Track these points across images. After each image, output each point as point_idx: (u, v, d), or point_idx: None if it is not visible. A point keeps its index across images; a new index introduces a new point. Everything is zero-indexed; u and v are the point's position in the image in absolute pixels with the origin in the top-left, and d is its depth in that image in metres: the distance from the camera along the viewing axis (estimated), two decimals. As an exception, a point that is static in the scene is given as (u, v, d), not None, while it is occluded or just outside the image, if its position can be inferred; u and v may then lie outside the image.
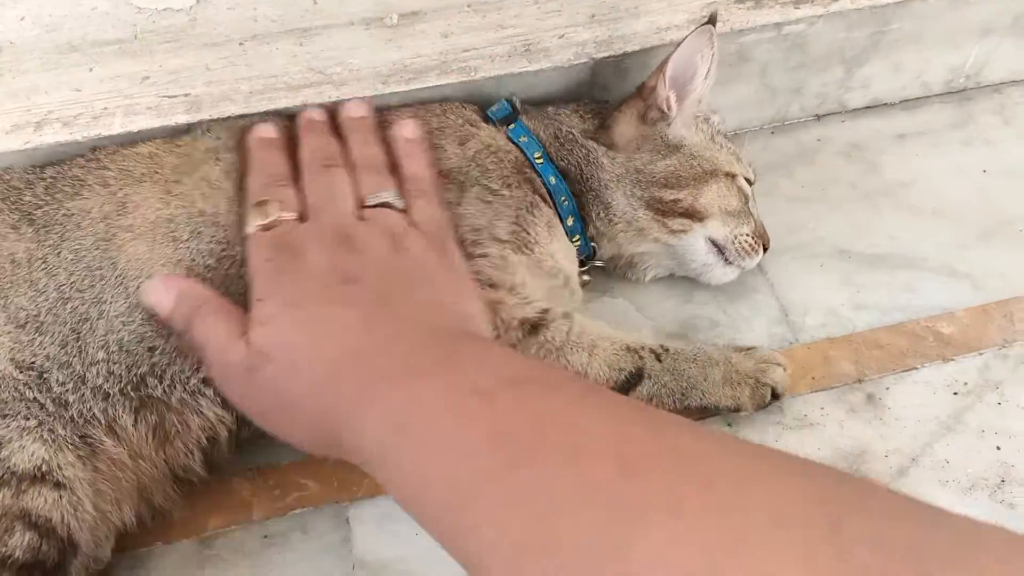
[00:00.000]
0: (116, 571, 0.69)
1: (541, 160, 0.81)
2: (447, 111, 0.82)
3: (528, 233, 0.77)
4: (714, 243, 0.82)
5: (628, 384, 0.74)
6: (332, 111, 0.77)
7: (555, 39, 0.84)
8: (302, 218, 0.65)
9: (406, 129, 0.75)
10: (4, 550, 0.58)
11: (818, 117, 1.03)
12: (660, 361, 0.75)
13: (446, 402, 0.48)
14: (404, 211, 0.68)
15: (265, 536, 0.72)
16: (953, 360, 0.83)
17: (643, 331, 0.83)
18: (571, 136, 0.83)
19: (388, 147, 0.74)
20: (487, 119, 0.83)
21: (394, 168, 0.72)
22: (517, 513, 0.42)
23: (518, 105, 0.84)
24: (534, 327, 0.73)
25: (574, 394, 0.49)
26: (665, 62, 0.80)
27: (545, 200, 0.80)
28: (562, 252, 0.80)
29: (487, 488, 0.44)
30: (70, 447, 0.64)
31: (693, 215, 0.81)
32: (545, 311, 0.74)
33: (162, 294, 0.64)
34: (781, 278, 0.88)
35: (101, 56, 0.73)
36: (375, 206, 0.67)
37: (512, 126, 0.82)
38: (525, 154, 0.81)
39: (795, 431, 0.78)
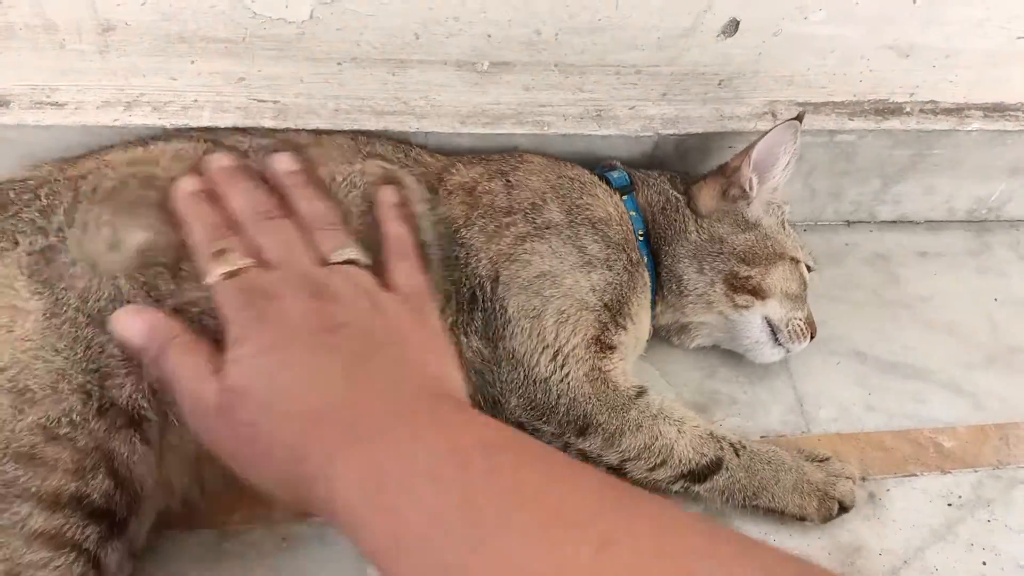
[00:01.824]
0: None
1: (643, 236, 0.85)
2: (574, 165, 0.86)
3: (631, 305, 0.81)
4: (769, 323, 0.86)
5: (707, 471, 0.76)
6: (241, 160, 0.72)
7: (626, 109, 0.89)
8: (262, 266, 0.62)
9: (389, 193, 0.74)
10: (85, 489, 0.59)
11: (848, 223, 1.08)
12: (738, 456, 0.77)
13: (422, 466, 0.48)
14: (368, 267, 0.65)
15: (283, 539, 0.73)
16: (951, 473, 0.87)
17: (666, 396, 0.86)
18: (676, 204, 0.87)
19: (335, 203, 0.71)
20: (608, 183, 0.86)
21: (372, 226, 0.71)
22: None
23: (636, 179, 0.88)
24: (640, 392, 0.77)
25: (549, 465, 0.49)
26: (752, 146, 0.84)
27: (641, 273, 0.83)
28: (646, 323, 0.85)
29: (461, 559, 0.44)
30: (152, 409, 0.65)
31: (758, 293, 0.85)
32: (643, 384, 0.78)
33: (134, 326, 0.61)
34: (800, 369, 0.92)
35: (205, 51, 0.76)
36: (343, 262, 0.64)
37: (626, 198, 0.86)
38: (633, 228, 0.85)
39: (797, 520, 0.80)
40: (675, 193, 0.88)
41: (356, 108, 0.82)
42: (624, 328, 0.80)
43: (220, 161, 0.69)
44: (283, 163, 0.70)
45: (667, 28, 0.81)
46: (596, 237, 0.80)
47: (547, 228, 0.78)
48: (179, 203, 0.66)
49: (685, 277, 0.85)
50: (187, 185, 0.67)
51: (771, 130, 0.83)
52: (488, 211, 0.78)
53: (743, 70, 0.88)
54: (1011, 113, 0.99)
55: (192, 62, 0.77)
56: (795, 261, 0.87)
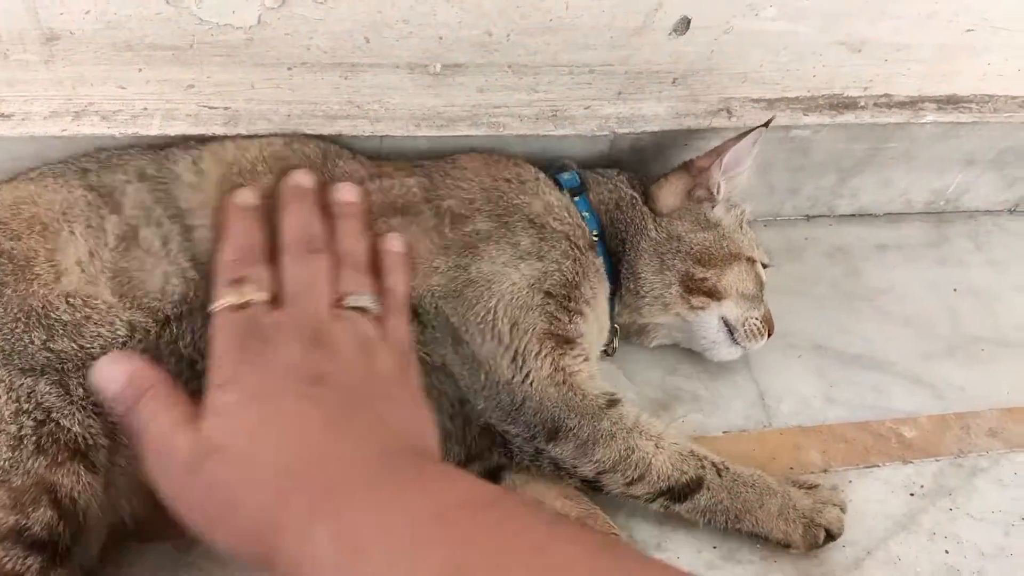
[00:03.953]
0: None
1: (597, 236, 0.85)
2: (518, 163, 0.85)
3: (582, 289, 0.80)
4: (726, 323, 0.86)
5: (688, 489, 0.75)
6: (319, 182, 0.74)
7: (581, 109, 0.89)
8: (275, 300, 0.63)
9: (395, 243, 0.73)
10: (25, 522, 0.58)
11: (808, 218, 1.09)
12: (720, 477, 0.76)
13: (404, 526, 0.47)
14: (378, 318, 0.66)
15: (242, 548, 0.72)
16: (912, 463, 0.88)
17: (627, 395, 0.86)
18: (633, 202, 0.87)
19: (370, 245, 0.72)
20: (558, 185, 0.86)
21: (374, 270, 0.71)
22: None
23: (587, 179, 0.87)
24: (612, 401, 0.76)
25: (536, 520, 0.48)
26: (724, 149, 0.85)
27: (592, 260, 0.83)
28: (604, 310, 0.84)
29: None
30: (102, 434, 0.64)
31: (714, 294, 0.85)
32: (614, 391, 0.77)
33: (112, 374, 0.60)
34: (761, 364, 0.93)
35: (153, 59, 0.75)
36: (352, 308, 0.65)
37: (578, 199, 0.85)
38: (588, 228, 0.84)
39: (782, 546, 0.79)
40: (631, 192, 0.87)
41: (308, 113, 0.81)
42: (580, 314, 0.79)
43: (299, 179, 0.73)
44: (346, 193, 0.73)
45: (619, 27, 0.82)
46: (531, 231, 0.79)
47: (478, 235, 0.77)
48: (227, 213, 0.69)
49: (643, 276, 0.85)
50: (245, 197, 0.70)
51: (743, 136, 0.84)
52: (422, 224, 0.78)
53: (696, 68, 0.88)
54: (964, 105, 1.00)
55: (140, 70, 0.76)
56: (751, 261, 0.88)
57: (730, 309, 0.85)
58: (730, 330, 0.86)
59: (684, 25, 0.83)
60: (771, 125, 0.86)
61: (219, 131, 0.79)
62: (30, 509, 0.58)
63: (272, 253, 0.67)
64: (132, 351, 0.65)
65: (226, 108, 0.80)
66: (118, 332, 0.67)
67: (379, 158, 0.83)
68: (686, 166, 0.88)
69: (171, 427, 0.55)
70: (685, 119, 0.91)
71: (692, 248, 0.85)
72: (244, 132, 0.79)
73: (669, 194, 0.87)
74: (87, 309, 0.66)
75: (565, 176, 0.87)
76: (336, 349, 0.60)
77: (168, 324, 0.68)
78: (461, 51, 0.80)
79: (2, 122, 0.76)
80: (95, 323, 0.66)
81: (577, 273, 0.79)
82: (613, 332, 0.88)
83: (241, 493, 0.52)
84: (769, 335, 0.88)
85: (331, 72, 0.79)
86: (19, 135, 0.76)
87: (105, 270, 0.69)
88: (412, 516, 0.48)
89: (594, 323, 0.81)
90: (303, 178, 0.73)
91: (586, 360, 0.78)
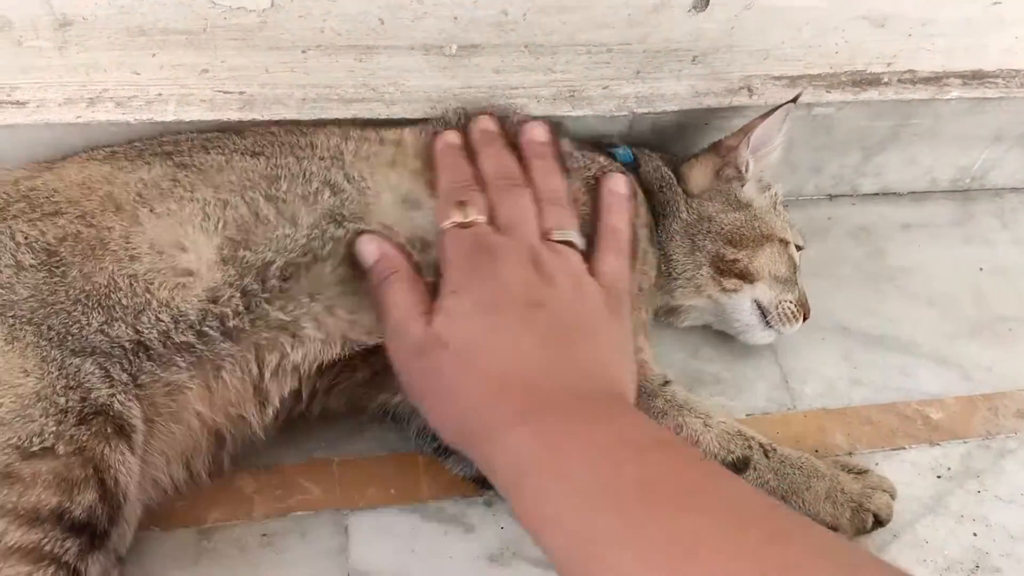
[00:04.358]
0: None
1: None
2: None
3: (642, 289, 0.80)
4: (759, 306, 0.84)
5: (734, 468, 0.74)
6: (503, 122, 0.79)
7: (599, 89, 0.88)
8: (494, 227, 0.68)
9: (615, 182, 0.77)
10: (68, 504, 0.57)
11: (831, 197, 1.07)
12: (767, 458, 0.76)
13: (598, 445, 0.51)
14: (583, 253, 0.69)
15: (264, 535, 0.72)
16: (939, 445, 0.86)
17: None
18: (670, 182, 0.86)
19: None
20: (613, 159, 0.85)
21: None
22: (662, 558, 0.44)
23: (638, 157, 0.87)
24: (666, 380, 0.77)
25: (720, 469, 0.53)
26: (751, 128, 0.83)
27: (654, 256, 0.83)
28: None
29: (633, 522, 0.46)
30: (140, 418, 0.64)
31: (746, 276, 0.83)
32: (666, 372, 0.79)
33: (368, 249, 0.68)
34: (785, 345, 0.91)
35: (167, 44, 0.74)
36: (560, 242, 0.68)
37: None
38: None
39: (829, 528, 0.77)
40: (667, 171, 0.86)
41: (324, 96, 0.80)
42: (644, 307, 0.81)
43: (485, 124, 0.77)
44: (536, 132, 0.76)
45: (636, 5, 0.80)
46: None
47: None
48: (439, 152, 0.74)
49: (675, 258, 0.84)
50: (451, 138, 0.75)
51: (771, 113, 0.83)
52: None
53: (716, 45, 0.87)
54: (990, 80, 0.98)
55: (154, 55, 0.75)
56: (784, 243, 0.86)
57: (763, 292, 0.84)
58: (763, 313, 0.85)
59: (703, 2, 0.82)
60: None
61: (234, 116, 0.78)
62: (74, 490, 0.58)
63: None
64: (386, 237, 0.70)
65: (241, 93, 0.79)
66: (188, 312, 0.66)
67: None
68: (715, 146, 0.87)
69: (408, 313, 0.63)
70: (705, 98, 0.90)
71: (723, 228, 0.84)
72: (259, 117, 0.78)
73: (699, 174, 0.86)
74: (148, 295, 0.65)
75: (620, 151, 0.86)
76: (552, 278, 0.65)
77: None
78: (477, 31, 0.79)
79: (17, 109, 0.76)
80: (154, 310, 0.65)
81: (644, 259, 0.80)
82: None
83: (457, 385, 0.60)
84: (805, 319, 0.86)
85: (346, 55, 0.78)
86: (34, 122, 0.75)
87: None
88: (610, 438, 0.52)
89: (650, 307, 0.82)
90: (489, 123, 0.77)
91: (647, 342, 0.80)
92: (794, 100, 0.83)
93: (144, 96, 0.78)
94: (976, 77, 0.98)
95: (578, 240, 0.70)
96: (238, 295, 0.67)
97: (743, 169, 0.85)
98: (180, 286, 0.66)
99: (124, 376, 0.63)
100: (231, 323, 0.66)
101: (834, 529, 0.76)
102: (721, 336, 0.90)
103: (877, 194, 1.09)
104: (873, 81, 0.95)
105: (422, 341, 0.62)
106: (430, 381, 0.62)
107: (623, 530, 0.46)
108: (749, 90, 0.91)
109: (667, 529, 0.45)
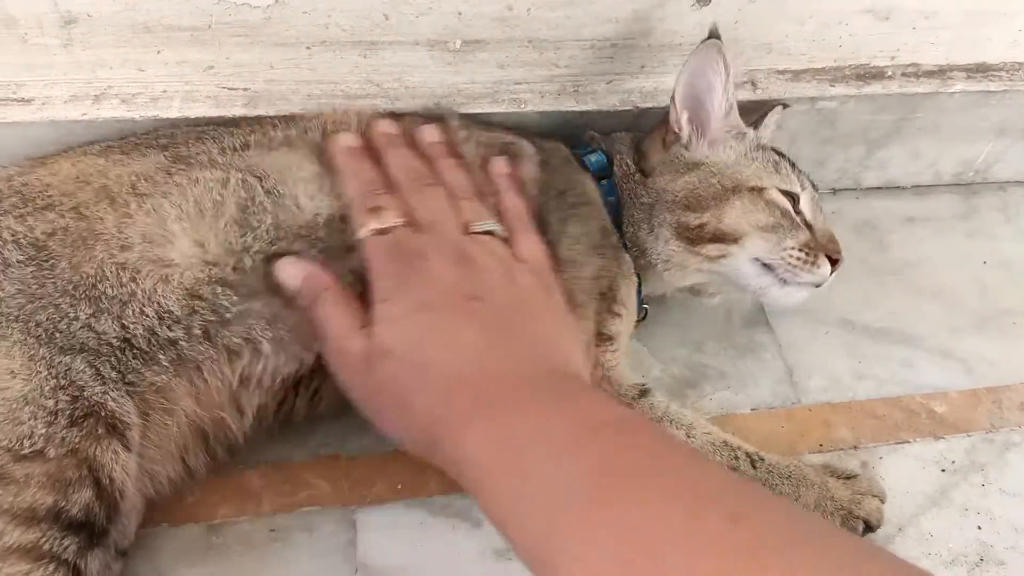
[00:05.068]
0: (121, 548, 0.68)
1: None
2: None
3: (620, 291, 0.79)
4: (760, 262, 0.79)
5: None
6: (403, 127, 0.76)
7: (603, 84, 0.88)
8: (413, 228, 0.66)
9: (501, 166, 0.76)
10: (64, 503, 0.57)
11: (834, 191, 1.07)
12: (755, 468, 0.75)
13: (552, 436, 0.50)
14: (506, 241, 0.69)
15: (272, 530, 0.72)
16: (943, 438, 0.86)
17: (652, 372, 0.87)
18: (630, 172, 0.84)
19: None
20: (584, 167, 0.83)
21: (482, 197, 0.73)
22: (624, 553, 0.43)
23: (613, 158, 0.85)
24: (643, 391, 0.77)
25: (679, 446, 0.53)
26: (676, 84, 0.80)
27: (623, 256, 0.82)
28: (634, 307, 0.83)
29: (592, 515, 0.45)
30: (134, 413, 0.63)
31: (723, 238, 0.78)
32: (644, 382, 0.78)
33: (291, 273, 0.66)
34: (789, 340, 0.91)
35: (172, 40, 0.75)
36: (481, 232, 0.68)
37: (605, 182, 0.83)
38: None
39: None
40: (629, 161, 0.84)
41: (328, 93, 0.80)
42: (618, 316, 0.79)
43: (385, 126, 0.75)
44: (430, 134, 0.75)
45: (641, -1, 0.80)
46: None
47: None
48: (338, 156, 0.71)
49: (644, 245, 0.82)
50: (347, 140, 0.73)
51: (688, 58, 0.78)
52: None
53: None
54: (994, 73, 0.98)
55: (159, 52, 0.75)
56: (756, 190, 0.80)
57: (757, 247, 0.78)
58: (770, 268, 0.79)
59: (708, -3, 0.82)
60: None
61: (239, 112, 0.78)
62: (71, 490, 0.58)
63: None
64: (305, 258, 0.68)
65: (245, 89, 0.79)
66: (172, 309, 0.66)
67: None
68: (663, 117, 0.83)
69: (347, 331, 0.62)
70: (711, 91, 0.90)
71: (676, 196, 0.80)
72: (264, 113, 0.79)
73: (652, 150, 0.84)
74: (133, 284, 0.65)
75: (593, 158, 0.84)
76: (481, 268, 0.64)
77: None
78: (481, 26, 0.79)
79: (23, 107, 0.76)
80: (139, 301, 0.65)
81: (619, 274, 0.79)
82: (643, 313, 0.86)
83: (409, 391, 0.58)
84: (832, 261, 0.80)
85: (350, 50, 0.78)
86: (40, 120, 0.76)
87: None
88: (568, 425, 0.51)
89: (627, 320, 0.81)
90: (387, 125, 0.75)
91: (621, 354, 0.79)
92: (712, 35, 0.77)
93: (149, 93, 0.78)
94: (980, 70, 0.98)
95: (498, 228, 0.69)
96: (219, 289, 0.67)
97: (677, 129, 0.81)
98: (163, 278, 0.66)
99: (113, 374, 0.63)
100: (211, 319, 0.66)
101: None
102: (725, 331, 0.90)
103: (881, 188, 1.09)
104: (877, 75, 0.95)
105: (366, 354, 0.60)
106: (381, 396, 0.60)
107: (582, 529, 0.45)
108: (753, 84, 0.91)
109: (625, 523, 0.44)
